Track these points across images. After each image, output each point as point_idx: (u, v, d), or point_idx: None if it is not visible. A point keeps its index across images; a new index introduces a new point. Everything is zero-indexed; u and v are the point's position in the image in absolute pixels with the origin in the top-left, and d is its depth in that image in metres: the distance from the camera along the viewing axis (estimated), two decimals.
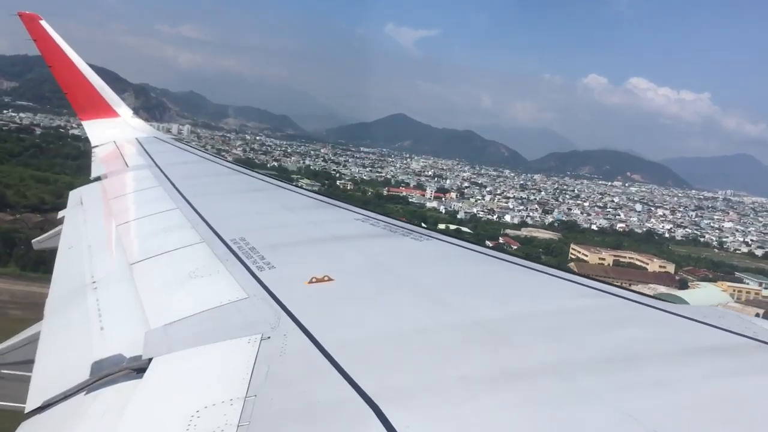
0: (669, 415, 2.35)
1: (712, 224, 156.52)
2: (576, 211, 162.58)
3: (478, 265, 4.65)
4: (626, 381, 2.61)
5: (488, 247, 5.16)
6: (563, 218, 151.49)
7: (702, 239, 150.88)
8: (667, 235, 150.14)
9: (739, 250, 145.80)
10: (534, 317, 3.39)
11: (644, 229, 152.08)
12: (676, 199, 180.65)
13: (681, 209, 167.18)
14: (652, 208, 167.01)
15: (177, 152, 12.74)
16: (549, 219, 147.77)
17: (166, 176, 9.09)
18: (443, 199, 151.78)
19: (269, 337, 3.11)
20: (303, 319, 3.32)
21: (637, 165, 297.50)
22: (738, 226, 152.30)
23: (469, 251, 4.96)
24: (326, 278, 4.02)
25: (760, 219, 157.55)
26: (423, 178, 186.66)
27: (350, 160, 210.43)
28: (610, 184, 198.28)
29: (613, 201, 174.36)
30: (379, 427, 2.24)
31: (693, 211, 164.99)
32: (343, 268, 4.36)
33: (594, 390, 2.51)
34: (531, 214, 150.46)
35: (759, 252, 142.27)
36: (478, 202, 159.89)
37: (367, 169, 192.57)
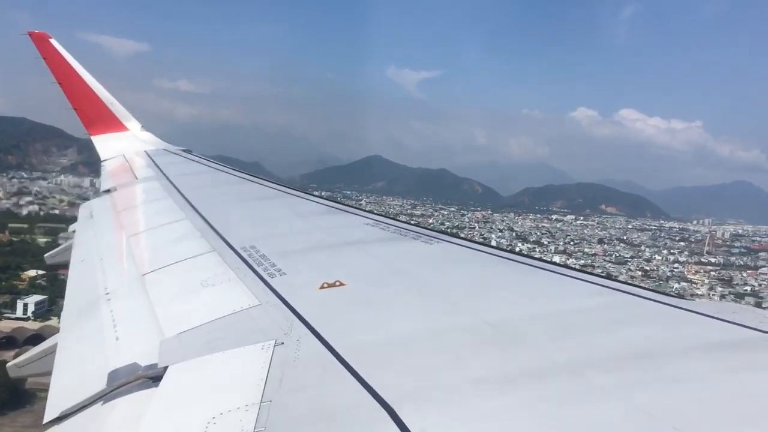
0: (686, 412, 2.32)
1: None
2: None
3: (489, 266, 4.66)
4: (642, 378, 2.59)
5: (499, 248, 5.18)
6: None
7: None
8: None
9: None
10: (546, 317, 3.38)
11: None
12: (597, 230, 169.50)
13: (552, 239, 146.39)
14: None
15: (186, 163, 12.86)
16: None
17: (175, 187, 9.16)
18: None
19: (283, 343, 3.12)
20: (316, 324, 3.33)
21: (614, 198, 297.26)
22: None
23: (479, 253, 4.97)
24: (338, 283, 4.03)
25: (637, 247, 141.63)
26: None
27: None
28: (555, 218, 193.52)
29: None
30: (395, 430, 2.24)
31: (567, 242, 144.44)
32: (354, 272, 4.38)
33: (610, 388, 2.49)
34: None
35: None
36: None
37: None
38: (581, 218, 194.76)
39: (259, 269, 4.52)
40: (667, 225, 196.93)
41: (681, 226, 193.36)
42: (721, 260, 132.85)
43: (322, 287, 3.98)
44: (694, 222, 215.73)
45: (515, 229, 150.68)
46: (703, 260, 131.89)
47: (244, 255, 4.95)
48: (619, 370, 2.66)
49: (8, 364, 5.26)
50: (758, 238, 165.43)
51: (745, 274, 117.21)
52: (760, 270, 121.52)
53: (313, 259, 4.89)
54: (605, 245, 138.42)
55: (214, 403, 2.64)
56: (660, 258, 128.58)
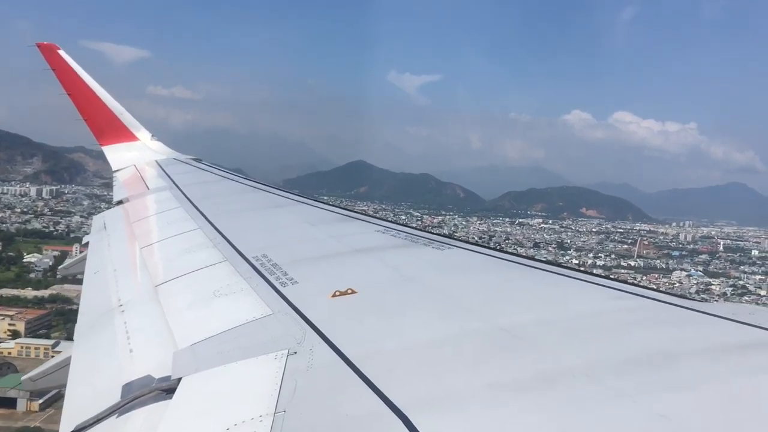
0: (704, 416, 2.30)
1: None
2: None
3: (501, 271, 4.64)
4: (658, 382, 2.55)
5: (511, 253, 5.18)
6: None
7: None
8: None
9: None
10: (560, 321, 3.35)
11: None
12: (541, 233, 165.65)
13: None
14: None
15: (197, 173, 12.93)
16: None
17: (186, 197, 9.23)
18: None
19: (296, 352, 3.12)
20: (328, 332, 3.32)
21: (597, 201, 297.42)
22: None
23: (491, 258, 4.95)
24: (350, 291, 4.02)
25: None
26: None
27: None
28: (518, 221, 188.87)
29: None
30: None
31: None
32: (366, 280, 4.37)
33: (626, 392, 2.45)
34: None
35: None
36: None
37: None
38: (549, 222, 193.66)
39: (271, 278, 4.52)
40: (637, 228, 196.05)
41: (650, 229, 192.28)
42: (642, 263, 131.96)
43: (334, 295, 3.97)
44: (673, 224, 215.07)
45: (458, 232, 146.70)
46: (623, 264, 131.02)
47: (256, 264, 4.96)
48: (636, 374, 2.62)
49: (23, 378, 5.29)
50: (721, 240, 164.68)
51: (645, 278, 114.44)
52: (674, 273, 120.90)
53: (325, 267, 4.89)
54: (535, 249, 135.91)
55: (228, 414, 2.64)
56: (576, 262, 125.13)
